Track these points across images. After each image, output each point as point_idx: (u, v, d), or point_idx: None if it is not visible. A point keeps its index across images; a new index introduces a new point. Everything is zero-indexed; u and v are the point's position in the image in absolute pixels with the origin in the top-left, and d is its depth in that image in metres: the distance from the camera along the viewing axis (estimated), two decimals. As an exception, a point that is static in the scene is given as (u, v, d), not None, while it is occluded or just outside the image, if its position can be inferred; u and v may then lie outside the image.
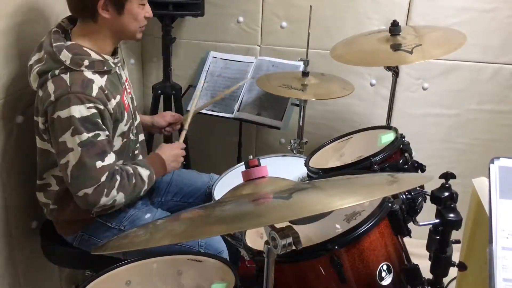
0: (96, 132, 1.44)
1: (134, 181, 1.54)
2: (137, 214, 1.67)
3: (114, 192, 1.48)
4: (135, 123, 1.69)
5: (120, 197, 1.50)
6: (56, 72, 1.43)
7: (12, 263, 1.71)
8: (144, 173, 1.58)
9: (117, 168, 1.52)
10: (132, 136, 1.65)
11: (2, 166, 1.61)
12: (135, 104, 1.75)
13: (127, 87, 1.67)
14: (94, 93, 1.43)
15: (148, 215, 1.68)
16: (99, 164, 1.44)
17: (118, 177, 1.49)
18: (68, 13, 1.57)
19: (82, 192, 1.45)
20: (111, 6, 1.47)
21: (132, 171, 1.55)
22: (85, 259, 1.69)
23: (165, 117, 1.99)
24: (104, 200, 1.46)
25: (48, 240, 1.74)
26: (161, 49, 2.40)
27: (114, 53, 1.60)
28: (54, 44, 1.45)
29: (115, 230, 1.64)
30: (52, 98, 1.42)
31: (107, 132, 1.48)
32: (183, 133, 1.89)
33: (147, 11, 1.57)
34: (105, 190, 1.45)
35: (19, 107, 1.66)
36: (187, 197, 1.91)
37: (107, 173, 1.46)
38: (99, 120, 1.45)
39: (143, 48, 2.70)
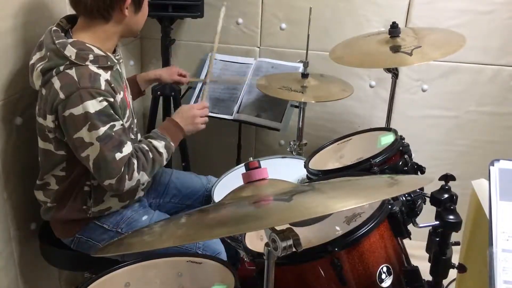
0: (111, 123, 1.45)
1: (151, 156, 1.57)
2: (134, 216, 1.67)
3: (135, 174, 1.51)
4: (135, 122, 1.69)
5: (143, 176, 1.54)
6: (61, 68, 1.43)
7: (11, 264, 1.70)
8: (159, 144, 1.60)
9: (132, 150, 1.54)
10: (132, 136, 1.65)
11: (1, 168, 1.60)
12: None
13: (127, 85, 1.68)
14: (102, 86, 1.44)
15: (145, 217, 1.68)
16: (118, 156, 1.46)
17: (135, 160, 1.52)
18: (67, 13, 1.57)
19: (107, 182, 1.48)
20: (131, 5, 1.50)
21: (147, 148, 1.58)
22: (84, 261, 1.69)
23: (172, 76, 2.07)
24: (128, 184, 1.50)
25: (46, 242, 1.74)
26: (161, 50, 2.39)
27: (114, 52, 1.60)
28: (56, 41, 1.45)
29: (112, 232, 1.63)
30: (62, 96, 1.41)
31: (121, 122, 1.49)
32: (205, 90, 1.88)
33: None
34: (127, 176, 1.49)
35: (18, 109, 1.66)
36: (185, 199, 1.91)
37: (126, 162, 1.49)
38: (112, 112, 1.46)
39: (142, 49, 2.70)
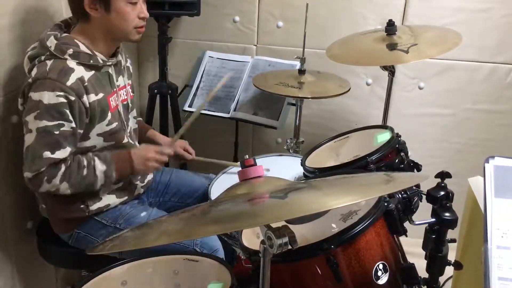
0: (60, 121, 1.44)
1: (84, 173, 1.50)
2: (133, 212, 1.67)
3: (56, 181, 1.46)
4: (128, 129, 1.68)
5: (64, 187, 1.48)
6: (42, 58, 1.47)
7: (8, 263, 1.70)
8: (100, 167, 1.52)
9: (67, 159, 1.49)
10: (128, 140, 1.65)
11: (-3, 166, 1.61)
12: (132, 112, 1.74)
13: (121, 93, 1.66)
14: (69, 83, 1.44)
15: (143, 214, 1.67)
16: (46, 154, 1.44)
17: (63, 167, 1.47)
18: (65, 12, 1.57)
19: (25, 174, 1.46)
20: (98, 4, 1.47)
21: (85, 163, 1.51)
22: (81, 259, 1.69)
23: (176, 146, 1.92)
24: (45, 186, 1.46)
25: (44, 240, 1.74)
26: (157, 48, 2.39)
27: (114, 55, 1.60)
28: (47, 33, 1.49)
29: (110, 228, 1.63)
30: (30, 80, 1.45)
31: (73, 124, 1.47)
32: (176, 136, 1.78)
33: (141, 11, 1.54)
34: (45, 178, 1.45)
35: (14, 107, 1.65)
36: (185, 197, 1.91)
37: (50, 164, 1.45)
38: (67, 111, 1.44)
39: (139, 47, 2.70)
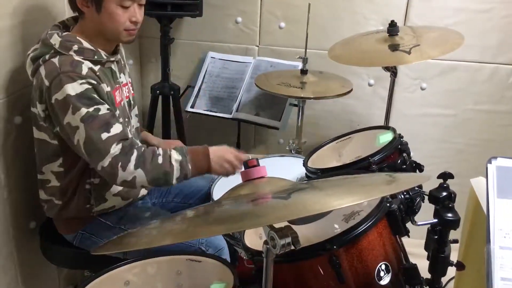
0: (95, 106, 1.43)
1: (160, 161, 1.44)
2: (137, 213, 1.68)
3: (131, 167, 1.41)
4: (129, 126, 1.68)
5: (140, 174, 1.42)
6: (47, 56, 1.46)
7: (11, 263, 1.70)
8: (176, 157, 1.46)
9: (139, 145, 1.48)
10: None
11: (1, 167, 1.61)
12: (134, 109, 1.75)
13: (124, 91, 1.66)
14: (84, 72, 1.44)
15: (147, 214, 1.68)
16: (104, 135, 1.41)
17: (136, 152, 1.43)
18: (67, 13, 1.58)
19: (99, 166, 1.42)
20: (90, 2, 1.48)
21: (160, 152, 1.46)
22: (84, 259, 1.69)
23: (170, 146, 1.95)
24: (122, 174, 1.41)
25: (47, 240, 1.74)
26: (160, 49, 2.40)
27: (114, 53, 1.60)
28: (48, 32, 1.49)
29: (115, 229, 1.63)
30: (47, 83, 1.43)
31: (107, 106, 1.46)
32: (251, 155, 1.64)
33: (133, 14, 1.52)
34: (120, 163, 1.40)
35: (17, 108, 1.66)
36: (188, 198, 1.91)
37: (116, 143, 1.42)
38: (95, 95, 1.44)
39: (141, 48, 2.70)
